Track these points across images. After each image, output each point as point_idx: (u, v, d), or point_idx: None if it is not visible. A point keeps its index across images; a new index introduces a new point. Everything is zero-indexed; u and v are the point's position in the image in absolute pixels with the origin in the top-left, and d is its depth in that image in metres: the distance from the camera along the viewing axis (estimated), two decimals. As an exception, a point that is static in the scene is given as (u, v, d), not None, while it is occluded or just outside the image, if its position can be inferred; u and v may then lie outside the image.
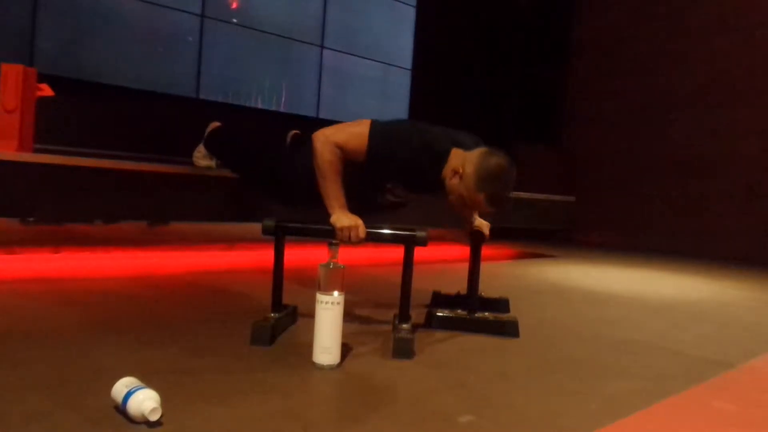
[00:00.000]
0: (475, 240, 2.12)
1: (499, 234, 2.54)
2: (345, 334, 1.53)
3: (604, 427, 1.22)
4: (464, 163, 1.84)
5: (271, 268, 1.75)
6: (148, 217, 3.01)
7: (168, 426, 1.06)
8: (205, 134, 2.74)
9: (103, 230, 3.45)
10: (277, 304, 1.77)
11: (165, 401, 1.08)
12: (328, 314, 1.47)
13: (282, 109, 6.26)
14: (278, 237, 1.73)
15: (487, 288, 2.29)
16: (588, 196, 6.34)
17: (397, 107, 6.87)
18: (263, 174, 2.49)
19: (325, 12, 6.55)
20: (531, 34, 7.10)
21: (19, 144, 2.55)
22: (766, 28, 5.48)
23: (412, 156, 1.85)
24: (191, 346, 1.59)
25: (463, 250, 2.29)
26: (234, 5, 6.03)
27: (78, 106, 4.54)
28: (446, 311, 2.03)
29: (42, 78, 2.73)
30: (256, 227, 1.78)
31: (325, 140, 1.82)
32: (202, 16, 5.71)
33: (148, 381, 1.13)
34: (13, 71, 2.55)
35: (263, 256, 2.36)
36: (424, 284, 2.31)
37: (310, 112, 6.37)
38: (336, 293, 1.48)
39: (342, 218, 1.73)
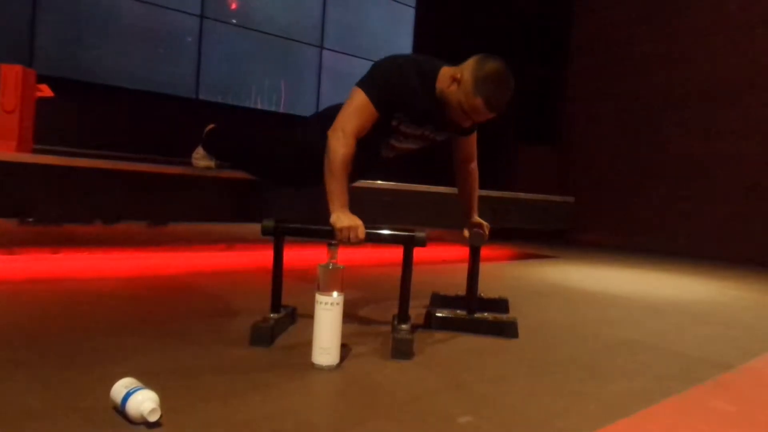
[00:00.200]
0: (475, 240, 2.12)
1: (498, 234, 2.54)
2: (344, 335, 1.53)
3: (604, 427, 1.22)
4: (462, 69, 1.87)
5: (270, 268, 1.75)
6: (148, 218, 3.01)
7: (167, 427, 1.06)
8: (203, 136, 2.75)
9: (103, 231, 3.45)
10: (276, 304, 1.77)
11: (164, 402, 1.08)
12: (328, 315, 1.47)
13: (281, 110, 6.26)
14: (277, 237, 1.73)
15: (487, 288, 2.29)
16: (587, 196, 6.34)
17: (397, 108, 6.87)
18: (266, 160, 2.49)
19: (324, 12, 6.55)
20: (530, 35, 7.10)
21: (19, 144, 2.55)
22: (765, 27, 5.48)
23: (409, 84, 1.90)
24: (190, 346, 1.59)
25: (463, 251, 2.29)
26: (233, 6, 6.04)
27: (77, 107, 4.54)
28: (445, 312, 2.03)
29: (41, 79, 2.73)
30: (255, 228, 1.78)
31: (343, 136, 1.83)
32: (202, 16, 5.72)
33: (147, 382, 1.13)
34: (13, 72, 2.55)
35: (262, 256, 2.36)
36: (423, 285, 2.31)
37: (309, 113, 6.37)
38: (335, 294, 1.48)
39: (342, 219, 1.73)
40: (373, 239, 1.74)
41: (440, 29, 6.84)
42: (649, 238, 6.09)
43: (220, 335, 1.73)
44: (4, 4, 4.57)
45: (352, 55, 6.71)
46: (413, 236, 1.69)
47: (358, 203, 1.88)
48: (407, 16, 7.10)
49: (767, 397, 1.55)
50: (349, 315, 1.91)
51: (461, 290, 2.19)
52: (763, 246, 5.31)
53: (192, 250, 3.57)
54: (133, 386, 1.09)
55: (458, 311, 2.04)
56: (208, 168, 2.79)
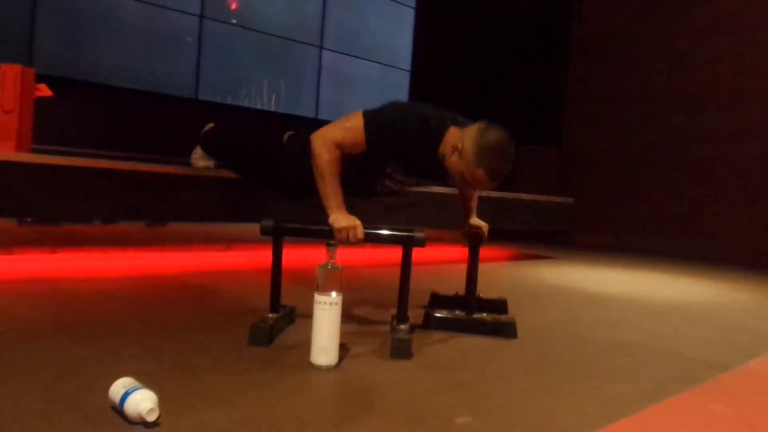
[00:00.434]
0: (474, 241, 2.12)
1: (497, 235, 2.54)
2: (343, 335, 1.53)
3: (602, 428, 1.22)
4: (463, 139, 1.83)
5: (269, 268, 1.75)
6: (147, 218, 3.01)
7: (165, 426, 1.06)
8: (201, 135, 2.75)
9: (101, 230, 3.45)
10: (275, 304, 1.76)
11: (162, 402, 1.08)
12: (326, 315, 1.47)
13: (281, 110, 6.27)
14: (276, 237, 1.73)
15: (486, 289, 2.29)
16: (587, 197, 6.34)
17: (396, 108, 6.87)
18: (263, 168, 2.49)
19: (324, 13, 6.55)
20: (530, 35, 7.10)
21: (18, 144, 2.54)
22: (765, 29, 5.49)
23: (410, 137, 1.85)
24: (189, 346, 1.59)
25: (462, 251, 2.29)
26: (233, 6, 6.04)
27: (77, 107, 4.54)
28: (444, 312, 2.03)
29: (40, 78, 2.73)
30: (254, 228, 1.78)
31: (323, 140, 1.82)
32: (201, 16, 5.72)
33: (146, 381, 1.13)
34: (12, 71, 2.55)
35: (261, 256, 2.36)
36: (422, 285, 2.31)
37: (309, 113, 6.38)
38: (334, 294, 1.48)
39: (340, 219, 1.73)
40: (371, 239, 1.74)
41: (440, 30, 6.84)
42: (649, 239, 6.09)
43: (219, 335, 1.73)
44: (3, 4, 4.57)
45: (352, 56, 6.72)
46: (412, 236, 1.69)
47: (357, 203, 1.89)
48: (407, 16, 7.11)
49: (765, 398, 1.55)
50: (347, 315, 1.91)
51: (460, 290, 2.19)
52: (761, 247, 5.31)
53: (191, 250, 3.57)
54: (131, 386, 1.09)
55: (457, 312, 2.04)
56: (207, 168, 2.79)
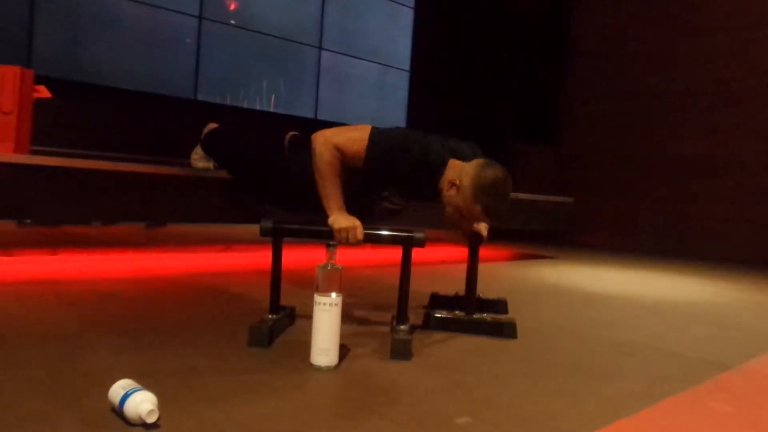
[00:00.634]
0: (473, 241, 2.12)
1: (497, 235, 2.54)
2: (343, 336, 1.53)
3: (602, 428, 1.22)
4: (461, 175, 1.85)
5: (269, 269, 1.75)
6: (146, 219, 3.01)
7: (165, 428, 1.06)
8: (202, 136, 2.74)
9: (101, 232, 3.45)
10: (274, 305, 1.76)
11: (162, 403, 1.08)
12: (326, 315, 1.47)
13: (280, 111, 6.26)
14: (276, 238, 1.73)
15: (485, 289, 2.29)
16: (586, 197, 6.34)
17: (395, 108, 6.88)
18: (260, 177, 2.49)
19: (323, 13, 6.55)
20: (529, 35, 7.10)
21: (16, 146, 2.54)
22: (765, 28, 5.49)
23: (411, 167, 1.86)
24: (188, 347, 1.59)
25: (461, 252, 2.29)
26: (232, 7, 6.04)
27: (75, 108, 4.54)
28: (444, 312, 2.03)
29: (39, 80, 2.73)
30: (253, 228, 1.78)
31: (324, 141, 1.82)
32: (200, 17, 5.71)
33: (145, 383, 1.13)
34: (11, 73, 2.55)
35: (261, 257, 2.36)
36: (422, 285, 2.31)
37: (308, 114, 6.37)
38: (334, 294, 1.48)
39: (340, 219, 1.73)
40: (371, 240, 1.74)
41: (439, 30, 6.84)
42: (648, 238, 6.09)
43: (219, 336, 1.72)
44: (1, 5, 4.57)
45: (351, 56, 6.71)
46: (412, 237, 1.69)
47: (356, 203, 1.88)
48: (406, 16, 7.11)
49: (765, 398, 1.55)
50: (347, 316, 1.91)
51: (460, 291, 2.19)
52: (761, 247, 5.31)
53: (190, 251, 3.57)
54: (131, 387, 1.09)
55: (457, 312, 2.04)
56: (207, 169, 2.79)
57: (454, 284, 2.32)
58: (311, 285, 1.50)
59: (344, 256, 1.56)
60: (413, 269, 1.71)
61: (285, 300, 1.82)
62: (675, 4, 6.14)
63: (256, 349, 1.60)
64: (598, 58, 6.75)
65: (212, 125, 2.74)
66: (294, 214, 2.48)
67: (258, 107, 6.15)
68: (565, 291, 3.14)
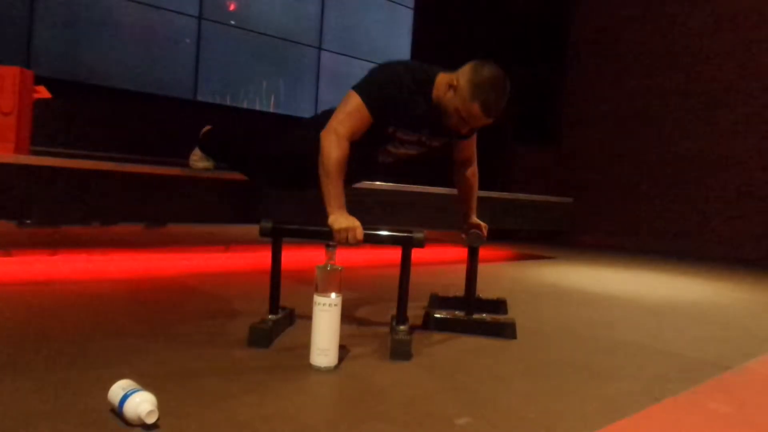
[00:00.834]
0: (473, 241, 2.12)
1: (496, 235, 2.54)
2: (342, 336, 1.53)
3: (602, 428, 1.22)
4: (457, 76, 1.87)
5: (268, 269, 1.75)
6: (146, 219, 3.00)
7: (164, 428, 1.06)
8: (200, 137, 2.74)
9: (100, 232, 3.45)
10: (274, 306, 1.76)
11: (161, 404, 1.08)
12: (326, 316, 1.47)
13: (279, 111, 6.26)
14: (275, 238, 1.73)
15: (485, 289, 2.29)
16: (586, 197, 6.34)
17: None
18: (263, 160, 2.48)
19: (322, 14, 6.55)
20: (529, 35, 7.11)
21: (16, 146, 2.54)
22: (762, 28, 5.49)
23: (405, 92, 1.89)
24: (188, 348, 1.59)
25: (461, 252, 2.29)
26: (231, 7, 6.04)
27: (75, 109, 4.54)
28: (444, 313, 2.03)
29: (39, 80, 2.73)
30: (253, 229, 1.78)
31: (336, 138, 1.82)
32: (200, 18, 5.71)
33: (145, 383, 1.13)
34: (10, 73, 2.54)
35: (260, 257, 2.36)
36: (421, 286, 2.31)
37: (307, 114, 6.37)
38: (333, 295, 1.48)
39: (340, 220, 1.73)
40: (371, 240, 1.74)
41: (438, 30, 6.85)
42: (648, 238, 6.09)
43: (218, 337, 1.72)
44: (1, 5, 4.57)
45: (350, 56, 6.72)
46: (411, 237, 1.69)
47: (356, 204, 1.88)
48: (405, 17, 7.11)
49: (765, 398, 1.55)
50: (347, 316, 1.91)
51: (460, 291, 2.19)
52: (761, 247, 5.31)
53: (190, 252, 3.57)
54: (130, 388, 1.09)
55: (457, 312, 2.04)
56: (206, 169, 2.79)
57: (453, 284, 2.32)
58: (311, 285, 1.50)
59: (344, 257, 1.56)
60: (413, 269, 1.71)
61: (285, 300, 1.82)
62: (674, 4, 6.14)
63: (256, 350, 1.60)
64: (598, 58, 6.76)
65: (208, 127, 2.75)
66: (299, 191, 2.49)
67: (257, 107, 6.15)
68: (565, 291, 3.14)
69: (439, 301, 2.29)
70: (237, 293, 2.44)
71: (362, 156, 1.96)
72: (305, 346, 1.50)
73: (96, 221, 2.78)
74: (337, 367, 1.49)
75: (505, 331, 1.96)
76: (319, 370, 1.47)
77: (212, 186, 2.88)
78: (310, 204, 2.00)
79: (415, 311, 1.99)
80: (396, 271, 1.71)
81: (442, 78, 1.92)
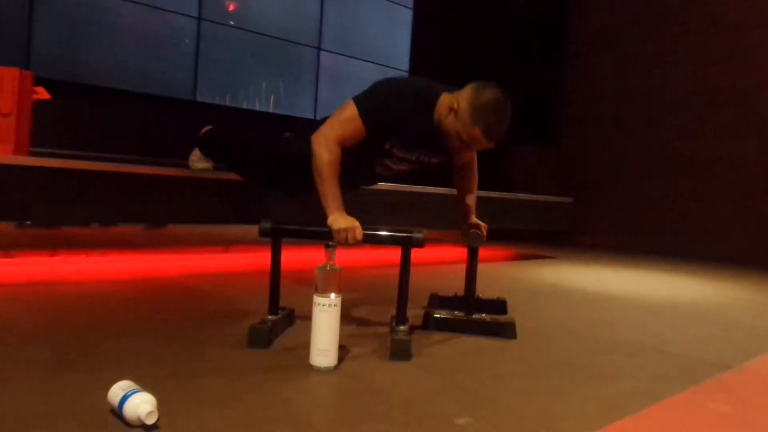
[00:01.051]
0: (472, 241, 2.12)
1: (496, 235, 2.54)
2: (342, 336, 1.53)
3: (602, 428, 1.22)
4: (458, 99, 1.83)
5: (267, 270, 1.75)
6: (145, 220, 3.00)
7: (164, 429, 1.06)
8: (199, 137, 2.75)
9: (100, 233, 3.45)
10: (274, 306, 1.76)
11: (161, 404, 1.08)
12: (326, 316, 1.47)
13: (279, 111, 6.26)
14: (275, 239, 1.73)
15: (485, 289, 2.29)
16: (585, 197, 6.34)
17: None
18: (262, 162, 2.48)
19: (322, 14, 6.55)
20: (528, 35, 7.11)
21: (16, 147, 2.54)
22: (762, 27, 5.49)
23: (404, 110, 1.86)
24: (188, 349, 1.59)
25: (461, 252, 2.29)
26: (231, 7, 6.03)
27: (74, 110, 4.54)
28: (443, 313, 2.03)
29: (38, 81, 2.73)
30: (253, 229, 1.78)
31: (325, 141, 1.82)
32: (199, 18, 5.71)
33: (145, 384, 1.13)
34: (10, 74, 2.55)
35: (260, 258, 2.36)
36: (421, 286, 2.31)
37: (307, 114, 6.37)
38: (333, 295, 1.48)
39: (339, 220, 1.73)
40: (370, 240, 1.74)
41: (437, 30, 6.85)
42: (648, 238, 6.09)
43: (218, 337, 1.72)
44: (0, 6, 4.57)
45: (350, 57, 6.72)
46: (411, 237, 1.69)
47: (355, 204, 1.88)
48: (405, 17, 7.11)
49: (765, 398, 1.55)
50: (347, 316, 1.91)
51: (459, 291, 2.19)
52: (761, 246, 5.31)
53: (189, 252, 3.57)
54: (130, 389, 1.09)
55: (456, 312, 2.04)
56: (205, 170, 2.79)
57: (453, 284, 2.32)
58: (310, 286, 1.50)
59: (343, 257, 1.56)
60: (412, 269, 1.71)
61: (284, 301, 1.82)
62: (673, 4, 6.14)
63: (256, 350, 1.60)
64: (598, 58, 6.75)
65: (208, 127, 2.75)
66: (298, 193, 2.49)
67: (257, 108, 6.15)
68: (565, 291, 3.14)
69: (438, 301, 2.29)
70: (237, 294, 2.44)
71: (359, 166, 1.96)
72: (305, 347, 1.50)
73: (96, 222, 2.78)
74: (336, 367, 1.49)
75: (505, 331, 1.96)
76: (318, 371, 1.46)
77: (212, 186, 2.89)
78: (310, 204, 2.00)
79: (414, 311, 1.99)
80: (396, 271, 1.71)
81: (444, 99, 1.88)
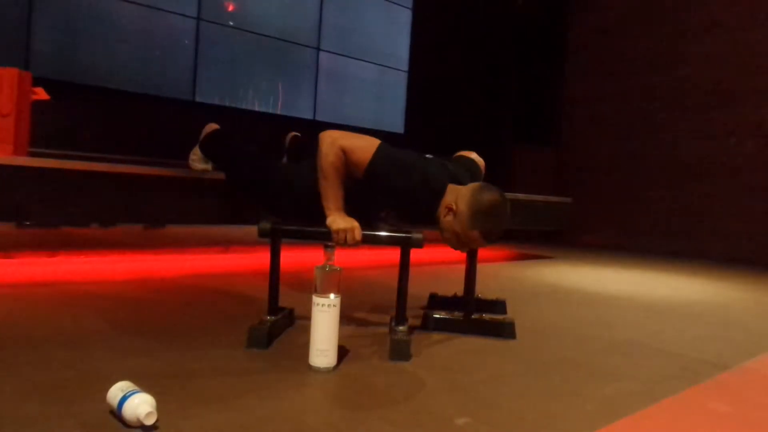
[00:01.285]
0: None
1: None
2: (341, 337, 1.53)
3: (601, 428, 1.22)
4: (457, 199, 1.82)
5: (267, 270, 1.75)
6: (145, 221, 3.00)
7: (163, 430, 1.06)
8: (201, 137, 2.74)
9: (100, 234, 3.45)
10: (273, 306, 1.76)
11: (160, 405, 1.08)
12: (325, 316, 1.47)
13: (279, 112, 6.26)
14: (274, 239, 1.73)
15: (484, 289, 2.29)
16: (585, 197, 6.35)
17: (394, 109, 6.88)
18: (259, 183, 2.48)
19: (321, 14, 6.55)
20: (528, 35, 7.10)
21: (15, 148, 2.54)
22: (761, 28, 5.49)
23: (410, 189, 1.83)
24: (187, 349, 1.59)
25: (460, 252, 2.28)
26: (230, 8, 6.03)
27: (74, 110, 4.53)
28: (443, 313, 2.03)
29: (37, 81, 2.72)
30: (252, 230, 1.78)
31: (332, 142, 1.81)
32: (198, 18, 5.71)
33: (144, 385, 1.13)
34: (9, 75, 2.54)
35: (259, 258, 2.36)
36: (420, 286, 2.31)
37: (306, 115, 6.37)
38: (332, 295, 1.48)
39: (338, 221, 1.73)
40: (370, 241, 1.74)
41: (437, 31, 6.84)
42: (647, 238, 6.09)
43: (217, 338, 1.72)
44: None
45: (349, 57, 6.71)
46: (410, 237, 1.69)
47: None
48: (404, 17, 7.11)
49: (764, 398, 1.55)
50: (346, 317, 1.91)
51: (459, 291, 2.19)
52: (761, 247, 5.32)
53: (189, 253, 3.57)
54: (129, 389, 1.09)
55: (456, 312, 2.04)
56: (205, 170, 2.78)
57: (452, 285, 2.32)
58: (310, 286, 1.50)
59: (343, 257, 1.56)
60: (412, 270, 1.71)
61: (284, 301, 1.82)
62: (672, 5, 6.15)
63: (255, 351, 1.60)
64: (598, 58, 6.76)
65: (211, 126, 2.73)
66: (283, 216, 2.48)
67: (256, 108, 6.15)
68: (565, 291, 3.14)
69: (438, 301, 2.29)
70: (236, 294, 2.44)
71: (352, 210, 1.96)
72: (304, 347, 1.50)
73: (95, 223, 2.78)
74: (336, 367, 1.49)
75: (504, 330, 1.97)
76: (318, 371, 1.46)
77: (211, 187, 2.88)
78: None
79: (414, 311, 1.99)
80: (395, 272, 1.71)
81: (448, 194, 1.86)
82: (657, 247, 5.90)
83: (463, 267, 2.10)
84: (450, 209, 1.82)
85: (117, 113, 4.91)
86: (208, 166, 2.78)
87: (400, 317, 1.71)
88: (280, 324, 1.77)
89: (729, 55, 5.69)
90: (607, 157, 6.55)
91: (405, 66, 7.05)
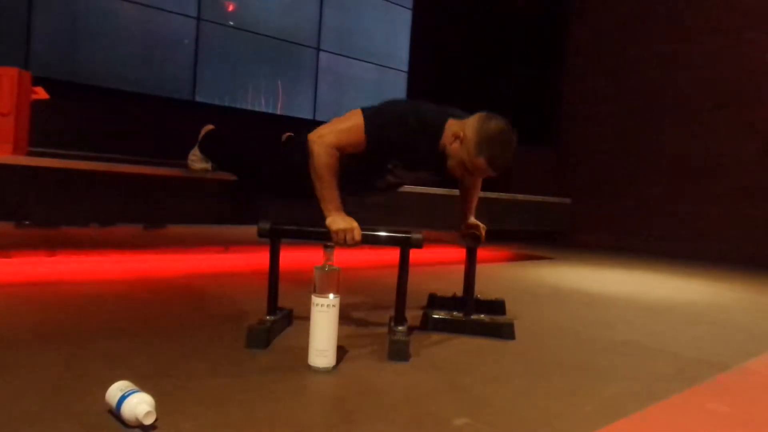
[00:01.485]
0: (471, 242, 2.12)
1: (495, 235, 2.54)
2: (340, 337, 1.53)
3: (601, 428, 1.22)
4: (464, 127, 1.85)
5: (266, 270, 1.75)
6: (144, 220, 3.00)
7: (162, 430, 1.05)
8: (200, 137, 2.74)
9: (99, 233, 3.45)
10: (272, 306, 1.76)
11: (159, 405, 1.08)
12: (324, 317, 1.47)
13: (278, 112, 6.26)
14: (274, 239, 1.73)
15: (484, 290, 2.28)
16: (584, 197, 6.35)
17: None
18: (259, 171, 2.49)
19: (321, 14, 6.56)
20: (527, 36, 7.11)
21: (14, 147, 2.54)
22: (761, 29, 5.50)
23: (409, 134, 1.87)
24: (186, 349, 1.59)
25: (459, 252, 2.29)
26: (230, 8, 6.04)
27: (73, 110, 4.54)
28: (442, 313, 2.03)
29: (37, 81, 2.72)
30: (251, 230, 1.78)
31: (321, 142, 1.82)
32: (198, 19, 5.71)
33: (143, 384, 1.13)
34: (8, 74, 2.55)
35: (259, 258, 2.36)
36: (420, 286, 2.31)
37: (306, 115, 6.38)
38: (331, 296, 1.48)
39: (338, 221, 1.73)
40: (369, 241, 1.74)
41: (437, 31, 6.85)
42: (646, 239, 6.09)
43: (216, 338, 1.72)
44: None
45: (349, 57, 6.72)
46: (409, 238, 1.69)
47: (354, 204, 1.88)
48: (404, 17, 7.11)
49: (763, 398, 1.55)
50: (345, 317, 1.91)
51: (458, 292, 2.19)
52: (759, 247, 5.32)
53: (188, 253, 3.57)
54: (128, 389, 1.09)
55: (455, 313, 2.04)
56: (205, 170, 2.78)
57: (452, 285, 2.32)
58: (309, 286, 1.50)
59: (342, 257, 1.56)
60: (411, 270, 1.71)
61: (283, 301, 1.82)
62: (672, 5, 6.15)
63: (254, 351, 1.60)
64: (597, 58, 6.76)
65: (208, 127, 2.74)
66: (298, 203, 2.49)
67: (256, 108, 6.15)
68: (563, 291, 3.14)
69: (437, 301, 2.29)
70: (235, 294, 2.44)
71: (358, 179, 1.97)
72: (303, 347, 1.50)
73: (94, 222, 2.78)
74: (335, 368, 1.49)
75: (504, 331, 1.96)
76: (317, 371, 1.46)
77: (211, 187, 2.88)
78: (309, 204, 2.00)
79: (413, 312, 1.99)
80: (394, 272, 1.71)
81: (451, 125, 1.89)
82: (657, 248, 5.90)
83: (462, 267, 2.10)
84: (457, 136, 1.85)
85: (117, 113, 4.91)
86: (208, 166, 2.78)
87: (400, 317, 1.71)
88: (279, 324, 1.77)
89: (728, 56, 5.69)
90: (606, 157, 6.55)
91: (405, 66, 7.06)
